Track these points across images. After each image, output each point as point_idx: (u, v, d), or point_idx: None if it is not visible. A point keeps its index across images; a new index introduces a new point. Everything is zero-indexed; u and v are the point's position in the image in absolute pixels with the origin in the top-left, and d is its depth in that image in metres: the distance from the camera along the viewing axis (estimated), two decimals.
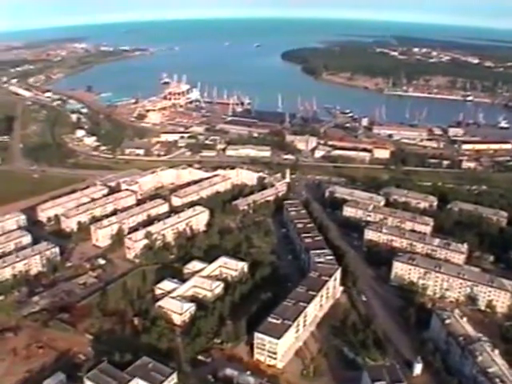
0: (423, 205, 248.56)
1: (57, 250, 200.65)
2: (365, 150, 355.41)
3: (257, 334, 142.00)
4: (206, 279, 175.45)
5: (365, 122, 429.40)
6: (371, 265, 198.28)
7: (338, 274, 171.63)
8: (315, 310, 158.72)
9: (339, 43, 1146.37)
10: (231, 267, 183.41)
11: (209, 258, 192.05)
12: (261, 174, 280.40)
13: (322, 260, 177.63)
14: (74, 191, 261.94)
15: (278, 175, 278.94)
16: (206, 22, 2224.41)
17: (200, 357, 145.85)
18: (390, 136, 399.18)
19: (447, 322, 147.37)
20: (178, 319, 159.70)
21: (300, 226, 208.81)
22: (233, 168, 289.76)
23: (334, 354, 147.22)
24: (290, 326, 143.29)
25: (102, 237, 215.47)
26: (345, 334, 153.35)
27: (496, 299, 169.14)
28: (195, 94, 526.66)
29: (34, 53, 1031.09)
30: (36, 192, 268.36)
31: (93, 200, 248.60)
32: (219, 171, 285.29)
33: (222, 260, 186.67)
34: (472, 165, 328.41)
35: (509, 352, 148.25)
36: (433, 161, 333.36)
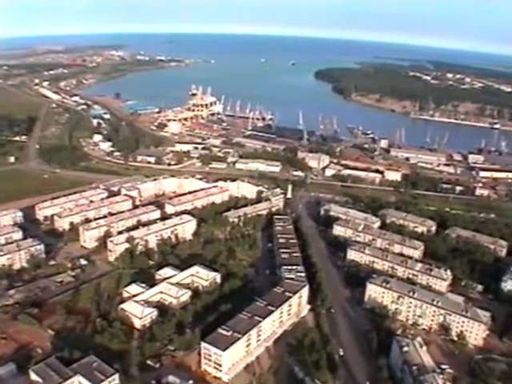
0: (421, 229, 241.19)
1: (41, 247, 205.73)
2: (377, 171, 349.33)
3: (204, 344, 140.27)
4: (174, 286, 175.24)
5: (384, 143, 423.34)
6: (349, 285, 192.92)
7: (304, 292, 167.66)
8: (273, 326, 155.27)
9: (374, 65, 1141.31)
10: (202, 277, 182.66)
11: (185, 267, 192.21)
12: (260, 187, 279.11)
13: (291, 276, 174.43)
14: (76, 193, 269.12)
15: (277, 190, 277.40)
16: (245, 38, 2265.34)
17: (149, 362, 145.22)
18: (408, 159, 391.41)
19: (405, 349, 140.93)
20: (137, 323, 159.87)
21: (282, 241, 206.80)
22: (234, 180, 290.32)
23: (284, 373, 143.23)
24: (238, 338, 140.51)
25: (89, 238, 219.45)
26: (301, 353, 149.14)
27: (470, 330, 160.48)
28: (218, 107, 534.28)
29: (70, 57, 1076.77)
30: (42, 192, 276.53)
31: (90, 202, 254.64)
32: (220, 183, 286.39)
33: (195, 269, 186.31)
34: (486, 192, 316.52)
35: None
36: (445, 186, 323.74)
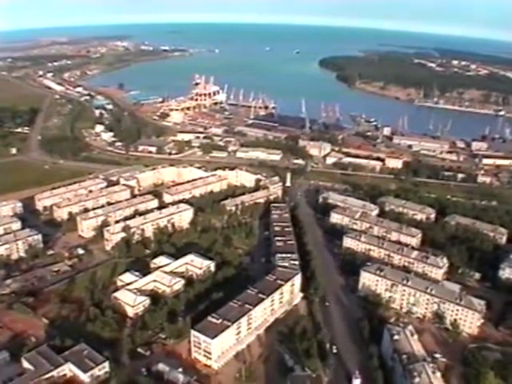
0: (420, 216, 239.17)
1: (39, 237, 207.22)
2: (378, 158, 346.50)
3: (193, 332, 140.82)
4: (167, 275, 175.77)
5: (387, 131, 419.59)
6: (345, 273, 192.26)
7: (296, 280, 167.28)
8: (264, 314, 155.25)
9: (379, 53, 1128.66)
10: (196, 265, 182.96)
11: (180, 255, 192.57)
12: (258, 176, 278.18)
13: (285, 264, 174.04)
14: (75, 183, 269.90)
15: (275, 178, 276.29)
16: (249, 26, 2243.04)
17: (140, 349, 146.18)
18: (410, 147, 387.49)
19: (395, 338, 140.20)
20: (130, 311, 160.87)
21: (277, 229, 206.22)
22: (233, 169, 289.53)
23: (275, 361, 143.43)
24: (227, 326, 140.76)
25: (86, 228, 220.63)
26: (291, 341, 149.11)
27: (464, 319, 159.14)
28: (221, 96, 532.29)
29: (75, 48, 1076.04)
30: (43, 182, 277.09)
31: (89, 192, 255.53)
32: (218, 171, 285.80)
33: (189, 257, 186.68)
34: (488, 179, 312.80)
35: (465, 376, 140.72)
36: (447, 173, 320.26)
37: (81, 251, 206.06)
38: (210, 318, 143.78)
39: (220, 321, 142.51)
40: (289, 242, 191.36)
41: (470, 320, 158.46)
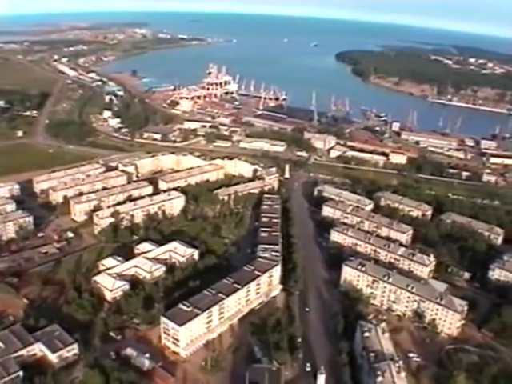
0: (416, 213, 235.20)
1: (30, 219, 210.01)
2: (383, 153, 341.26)
3: (162, 319, 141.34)
4: (148, 261, 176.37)
5: (396, 126, 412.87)
6: (330, 267, 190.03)
7: (275, 271, 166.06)
8: (238, 304, 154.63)
9: (397, 48, 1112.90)
10: (179, 253, 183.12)
11: (165, 242, 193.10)
12: (256, 166, 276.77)
13: (266, 255, 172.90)
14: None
15: (273, 169, 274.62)
16: (269, 18, 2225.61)
17: (112, 333, 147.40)
18: (418, 143, 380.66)
19: (365, 335, 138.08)
20: (108, 295, 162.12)
21: (265, 219, 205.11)
22: (232, 159, 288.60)
23: (244, 351, 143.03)
24: (197, 314, 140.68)
25: (79, 212, 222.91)
26: (264, 332, 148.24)
27: (443, 319, 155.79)
28: (233, 86, 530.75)
29: (92, 34, 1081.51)
30: (45, 166, 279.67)
31: (87, 177, 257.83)
32: (217, 161, 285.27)
33: (173, 245, 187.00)
34: (493, 178, 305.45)
35: (437, 377, 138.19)
36: (452, 171, 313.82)
37: (70, 234, 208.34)
38: (180, 306, 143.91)
39: (190, 309, 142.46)
40: (273, 234, 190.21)
41: (449, 320, 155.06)
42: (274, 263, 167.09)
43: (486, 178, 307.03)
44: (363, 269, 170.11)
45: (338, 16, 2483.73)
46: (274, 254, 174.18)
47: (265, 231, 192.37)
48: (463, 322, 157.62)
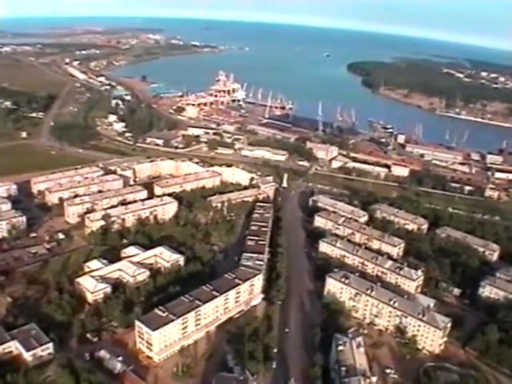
0: (411, 226, 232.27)
1: (23, 219, 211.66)
2: (386, 166, 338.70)
3: (137, 323, 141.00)
4: (133, 265, 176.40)
5: (401, 138, 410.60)
6: (316, 278, 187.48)
7: (256, 280, 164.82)
8: (216, 312, 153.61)
9: (410, 60, 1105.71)
10: (165, 258, 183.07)
11: (154, 247, 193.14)
12: (252, 174, 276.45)
13: (249, 264, 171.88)
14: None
15: (269, 178, 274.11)
16: (283, 27, 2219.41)
17: (88, 335, 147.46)
18: (422, 155, 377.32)
19: (339, 348, 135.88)
20: (90, 297, 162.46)
21: (254, 228, 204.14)
22: (229, 166, 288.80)
23: (217, 359, 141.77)
24: (171, 320, 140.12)
25: (72, 213, 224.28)
26: (240, 341, 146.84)
27: (425, 335, 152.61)
28: (241, 94, 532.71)
29: (106, 38, 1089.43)
30: (45, 167, 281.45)
31: (84, 179, 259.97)
32: (215, 168, 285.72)
33: (159, 250, 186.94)
34: (496, 194, 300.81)
35: None
36: (454, 185, 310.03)
37: (61, 236, 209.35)
38: (156, 311, 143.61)
39: (166, 314, 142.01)
40: (260, 242, 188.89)
41: (431, 337, 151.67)
42: (255, 272, 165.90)
43: (488, 192, 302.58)
44: (346, 281, 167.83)
45: (353, 27, 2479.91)
46: (257, 262, 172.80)
47: (252, 240, 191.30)
48: (446, 339, 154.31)
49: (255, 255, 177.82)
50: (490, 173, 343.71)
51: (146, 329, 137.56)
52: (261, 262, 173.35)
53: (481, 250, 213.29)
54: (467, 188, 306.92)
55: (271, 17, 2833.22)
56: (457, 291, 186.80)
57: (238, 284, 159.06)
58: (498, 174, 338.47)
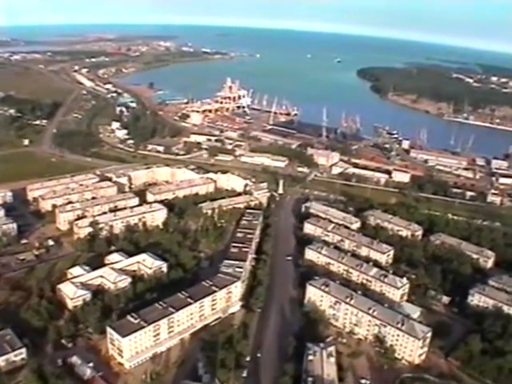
0: (405, 233, 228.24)
1: (14, 226, 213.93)
2: (387, 171, 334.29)
3: (108, 329, 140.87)
4: (114, 272, 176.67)
5: (406, 144, 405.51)
6: (301, 286, 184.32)
7: (234, 288, 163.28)
8: (191, 319, 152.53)
9: (421, 66, 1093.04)
10: (147, 265, 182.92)
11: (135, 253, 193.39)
12: (247, 181, 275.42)
13: (229, 271, 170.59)
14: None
15: (263, 184, 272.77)
16: (295, 33, 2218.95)
17: (63, 341, 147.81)
18: (426, 161, 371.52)
19: (309, 358, 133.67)
20: (69, 303, 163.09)
21: (239, 235, 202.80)
22: (224, 173, 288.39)
23: (189, 367, 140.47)
24: (142, 327, 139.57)
25: (63, 220, 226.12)
26: (213, 349, 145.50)
27: (404, 345, 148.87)
28: (246, 100, 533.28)
29: (116, 46, 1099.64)
30: (44, 174, 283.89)
31: (79, 186, 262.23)
32: (210, 174, 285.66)
33: (142, 257, 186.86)
34: (498, 199, 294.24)
35: None
36: (455, 190, 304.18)
37: (51, 242, 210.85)
38: (128, 317, 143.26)
39: (137, 321, 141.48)
40: (244, 249, 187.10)
41: (410, 347, 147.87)
42: (233, 279, 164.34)
43: (490, 198, 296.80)
44: (326, 289, 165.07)
45: (364, 33, 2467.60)
46: (237, 270, 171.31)
47: (236, 247, 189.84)
48: (426, 349, 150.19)
49: (236, 262, 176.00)
50: (494, 178, 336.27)
51: (117, 335, 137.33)
52: (241, 270, 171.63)
53: (475, 256, 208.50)
54: (469, 193, 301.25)
55: (284, 23, 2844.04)
56: (446, 299, 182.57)
57: (215, 291, 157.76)
58: (502, 180, 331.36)
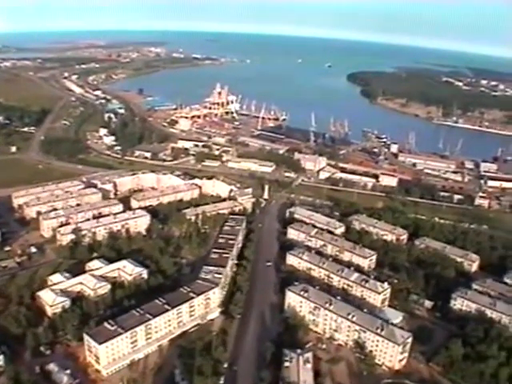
0: (390, 237, 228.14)
1: None
2: (375, 176, 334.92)
3: (85, 336, 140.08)
4: (94, 278, 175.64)
5: (394, 148, 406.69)
6: (282, 292, 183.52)
7: (212, 294, 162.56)
8: (168, 326, 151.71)
9: (411, 69, 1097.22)
10: (127, 271, 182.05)
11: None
12: (232, 186, 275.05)
13: (208, 277, 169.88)
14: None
15: (247, 190, 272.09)
16: (287, 39, 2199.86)
17: (42, 348, 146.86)
18: (414, 165, 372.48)
19: (285, 364, 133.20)
20: (49, 310, 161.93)
21: (221, 241, 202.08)
22: (210, 178, 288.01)
23: (166, 374, 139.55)
24: (119, 334, 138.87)
25: (47, 227, 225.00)
26: (191, 356, 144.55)
27: (384, 350, 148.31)
28: (235, 106, 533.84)
29: (107, 52, 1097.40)
30: (30, 181, 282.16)
31: (64, 193, 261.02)
32: (196, 180, 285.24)
33: (122, 263, 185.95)
34: (486, 202, 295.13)
35: None
36: (443, 194, 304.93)
37: (33, 250, 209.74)
38: (105, 324, 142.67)
39: (114, 328, 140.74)
40: (224, 255, 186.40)
41: (390, 352, 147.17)
42: (212, 285, 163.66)
43: (478, 201, 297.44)
44: (306, 294, 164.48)
45: (355, 38, 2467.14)
46: (216, 276, 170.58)
47: (216, 252, 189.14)
48: (406, 354, 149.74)
49: (216, 268, 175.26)
50: (482, 181, 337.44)
51: (93, 342, 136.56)
52: (220, 276, 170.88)
53: (459, 260, 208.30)
54: (457, 197, 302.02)
55: (275, 28, 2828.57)
56: (428, 304, 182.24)
57: (192, 298, 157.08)
58: (490, 182, 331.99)
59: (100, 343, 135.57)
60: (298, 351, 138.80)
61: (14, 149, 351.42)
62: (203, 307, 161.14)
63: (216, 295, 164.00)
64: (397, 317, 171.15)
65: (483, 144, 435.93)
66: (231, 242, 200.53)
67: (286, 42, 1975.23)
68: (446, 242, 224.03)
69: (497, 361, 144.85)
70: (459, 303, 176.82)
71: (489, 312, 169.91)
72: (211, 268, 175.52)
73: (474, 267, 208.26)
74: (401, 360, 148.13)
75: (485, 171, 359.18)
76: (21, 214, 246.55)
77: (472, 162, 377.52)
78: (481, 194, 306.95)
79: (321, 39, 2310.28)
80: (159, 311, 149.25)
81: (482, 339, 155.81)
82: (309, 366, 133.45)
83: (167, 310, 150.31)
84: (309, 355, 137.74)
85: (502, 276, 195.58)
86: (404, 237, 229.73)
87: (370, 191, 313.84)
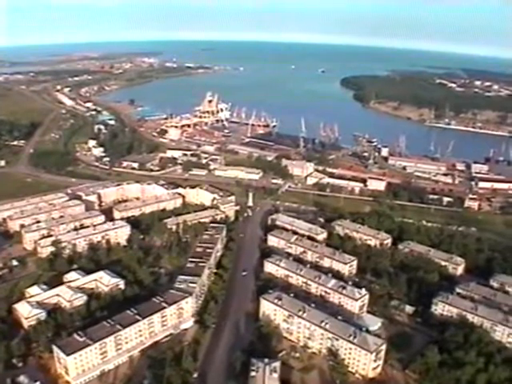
0: (374, 242, 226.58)
1: None
2: (363, 180, 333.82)
3: (54, 348, 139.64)
4: (70, 290, 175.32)
5: (385, 151, 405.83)
6: (258, 300, 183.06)
7: (185, 304, 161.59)
8: (139, 336, 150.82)
9: (404, 73, 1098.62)
10: (104, 282, 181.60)
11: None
12: (215, 195, 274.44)
13: (182, 286, 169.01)
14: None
15: (230, 198, 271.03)
16: (279, 45, 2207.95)
17: (14, 360, 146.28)
18: (405, 168, 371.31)
19: (252, 374, 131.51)
20: (25, 323, 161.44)
21: (198, 249, 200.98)
22: (194, 187, 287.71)
23: None
24: (88, 345, 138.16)
25: (29, 240, 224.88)
26: (161, 366, 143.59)
27: (357, 358, 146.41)
28: (225, 114, 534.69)
29: (100, 64, 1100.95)
30: (18, 195, 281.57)
31: (48, 205, 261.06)
32: (179, 189, 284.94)
33: (99, 274, 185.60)
34: (475, 204, 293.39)
35: None
36: (432, 197, 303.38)
37: (15, 263, 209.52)
38: (75, 335, 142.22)
39: (83, 339, 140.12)
40: (200, 264, 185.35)
41: (363, 360, 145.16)
42: (185, 295, 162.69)
43: (468, 203, 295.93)
44: (279, 302, 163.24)
45: (349, 42, 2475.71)
46: (190, 285, 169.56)
47: (193, 262, 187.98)
48: (380, 362, 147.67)
49: (190, 278, 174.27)
50: (473, 183, 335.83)
51: (62, 354, 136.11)
52: (194, 285, 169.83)
53: (444, 264, 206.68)
54: (446, 199, 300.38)
55: (269, 36, 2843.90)
56: (409, 309, 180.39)
57: (164, 307, 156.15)
58: (481, 184, 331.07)
59: (68, 354, 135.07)
60: (266, 360, 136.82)
61: (2, 163, 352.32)
62: (176, 317, 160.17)
63: (189, 305, 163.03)
64: (376, 323, 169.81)
65: (475, 145, 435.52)
66: (209, 250, 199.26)
67: (279, 48, 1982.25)
68: (432, 245, 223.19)
69: (474, 367, 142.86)
70: (440, 308, 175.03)
71: (470, 317, 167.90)
72: (186, 277, 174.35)
73: (460, 270, 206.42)
74: (374, 368, 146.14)
75: (476, 172, 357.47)
76: (5, 228, 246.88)
77: (463, 164, 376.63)
78: (471, 196, 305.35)
79: (315, 45, 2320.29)
80: (130, 322, 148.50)
81: (460, 345, 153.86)
82: (275, 375, 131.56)
83: (138, 321, 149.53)
84: (276, 364, 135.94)
85: (488, 279, 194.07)
86: (388, 241, 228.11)
87: (358, 196, 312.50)
